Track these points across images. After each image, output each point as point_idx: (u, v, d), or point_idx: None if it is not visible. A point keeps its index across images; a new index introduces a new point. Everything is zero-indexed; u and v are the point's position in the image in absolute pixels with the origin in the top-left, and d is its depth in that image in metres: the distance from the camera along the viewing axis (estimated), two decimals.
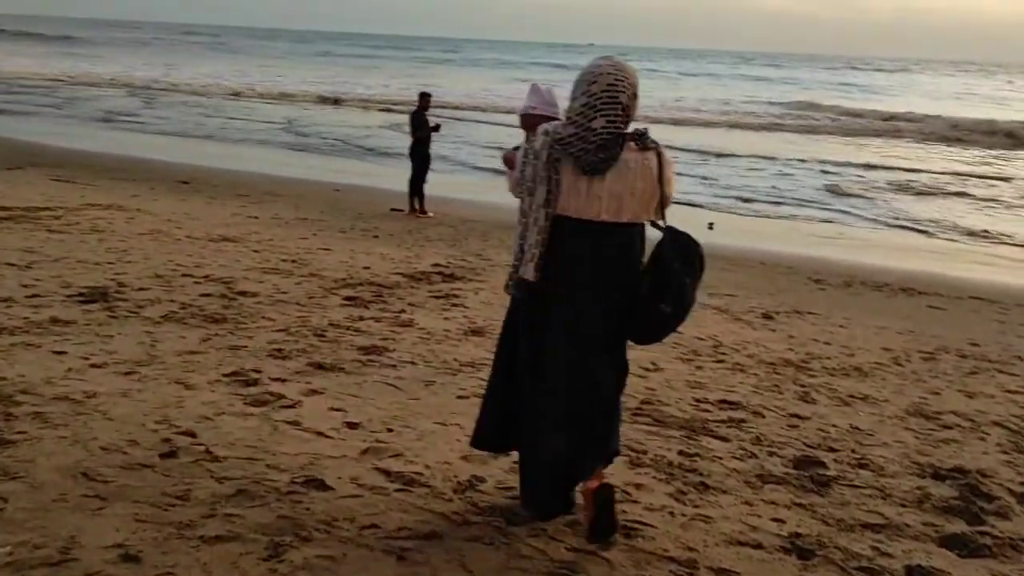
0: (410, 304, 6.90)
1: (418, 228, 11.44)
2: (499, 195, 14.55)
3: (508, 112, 31.51)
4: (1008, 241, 13.65)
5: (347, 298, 6.92)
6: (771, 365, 5.98)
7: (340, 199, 13.49)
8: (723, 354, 6.17)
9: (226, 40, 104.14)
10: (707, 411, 4.85)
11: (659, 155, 3.00)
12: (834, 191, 17.84)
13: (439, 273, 8.35)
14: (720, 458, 4.16)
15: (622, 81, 2.93)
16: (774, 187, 17.99)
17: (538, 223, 2.97)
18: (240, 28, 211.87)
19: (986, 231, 14.34)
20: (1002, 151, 26.70)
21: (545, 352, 3.07)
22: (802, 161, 22.23)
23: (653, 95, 37.12)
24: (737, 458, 4.18)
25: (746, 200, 16.34)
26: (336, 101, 35.72)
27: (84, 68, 45.71)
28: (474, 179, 17.64)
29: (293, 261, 8.25)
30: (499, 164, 21.13)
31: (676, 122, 31.87)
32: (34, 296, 6.08)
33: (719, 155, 22.82)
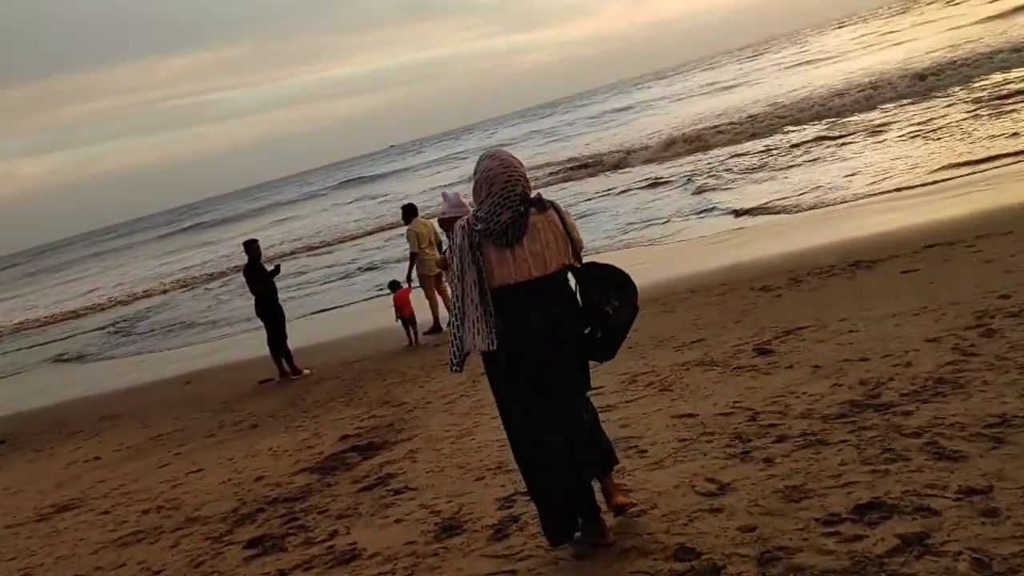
0: (339, 518, 4.92)
1: (300, 395, 9.40)
2: (374, 320, 12.70)
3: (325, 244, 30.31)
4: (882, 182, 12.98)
5: (250, 542, 4.89)
6: (843, 419, 4.38)
7: (195, 393, 11.20)
8: (772, 427, 4.53)
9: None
10: (857, 537, 3.16)
11: (556, 209, 3.46)
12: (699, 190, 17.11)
13: (353, 448, 6.42)
14: None
15: (514, 174, 3.39)
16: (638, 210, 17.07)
17: (474, 299, 3.36)
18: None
19: (853, 176, 13.73)
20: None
21: (523, 401, 3.47)
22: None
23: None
24: None
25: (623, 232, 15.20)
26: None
27: None
28: (335, 314, 15.67)
29: (159, 508, 6.10)
30: (351, 290, 18.62)
31: None
32: None
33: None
